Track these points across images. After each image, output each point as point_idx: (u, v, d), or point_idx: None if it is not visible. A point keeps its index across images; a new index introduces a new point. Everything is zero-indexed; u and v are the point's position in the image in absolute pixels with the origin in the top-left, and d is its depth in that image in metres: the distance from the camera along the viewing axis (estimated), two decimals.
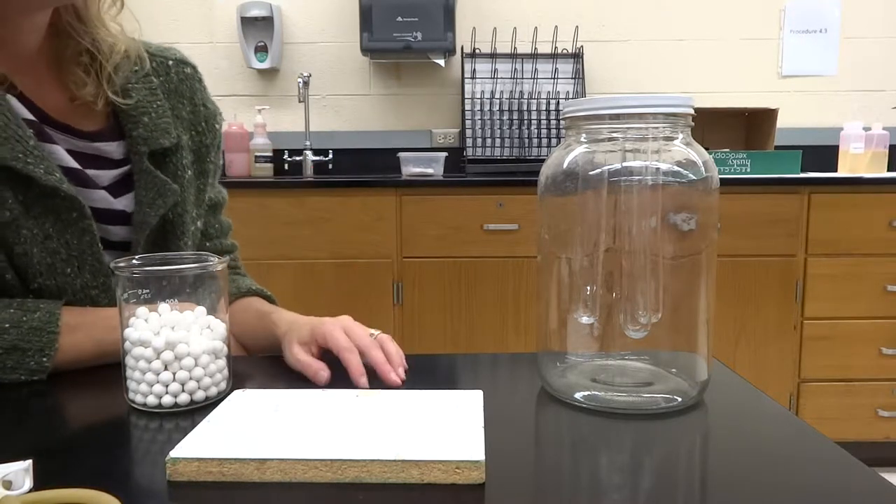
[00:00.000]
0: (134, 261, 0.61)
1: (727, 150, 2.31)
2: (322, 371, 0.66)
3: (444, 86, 2.64)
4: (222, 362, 0.61)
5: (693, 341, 0.59)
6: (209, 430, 0.50)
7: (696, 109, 0.59)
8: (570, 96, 2.54)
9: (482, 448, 0.46)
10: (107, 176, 0.77)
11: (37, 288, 0.72)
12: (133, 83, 0.78)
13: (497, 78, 2.54)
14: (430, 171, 2.33)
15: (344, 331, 0.68)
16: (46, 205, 0.70)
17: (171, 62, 0.84)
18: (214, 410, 0.54)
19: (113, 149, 0.78)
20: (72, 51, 0.75)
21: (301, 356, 0.68)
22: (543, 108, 2.52)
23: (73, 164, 0.74)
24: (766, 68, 2.63)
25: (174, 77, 0.84)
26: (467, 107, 2.51)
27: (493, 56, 2.56)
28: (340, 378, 0.65)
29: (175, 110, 0.83)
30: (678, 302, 0.58)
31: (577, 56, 2.54)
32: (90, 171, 0.76)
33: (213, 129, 0.88)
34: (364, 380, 0.64)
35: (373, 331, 0.70)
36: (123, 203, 0.78)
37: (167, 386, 0.58)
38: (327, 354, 0.68)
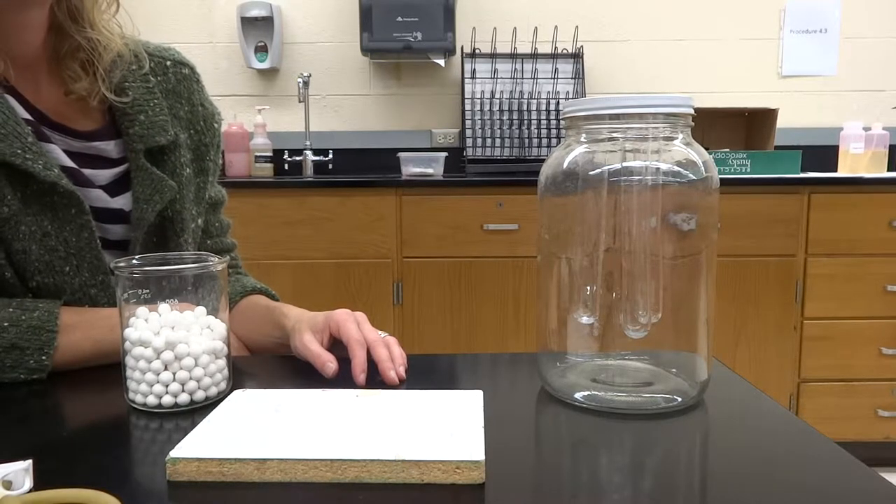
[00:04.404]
0: (134, 261, 0.61)
1: (727, 150, 2.31)
2: (330, 363, 0.66)
3: (444, 86, 2.64)
4: (222, 362, 0.61)
5: (693, 341, 0.59)
6: (209, 430, 0.50)
7: (696, 109, 0.59)
8: (570, 96, 2.54)
9: (482, 448, 0.46)
10: (104, 175, 0.78)
11: (35, 286, 0.72)
12: (130, 81, 0.79)
13: (497, 78, 2.54)
14: (430, 171, 2.33)
15: (356, 324, 0.69)
16: (44, 202, 0.71)
17: (168, 62, 0.85)
18: (214, 410, 0.54)
19: (110, 148, 0.78)
20: (68, 47, 0.75)
21: (311, 345, 0.69)
22: (543, 108, 2.52)
23: (70, 163, 0.75)
24: (766, 68, 2.63)
25: (172, 77, 0.84)
26: (467, 107, 2.51)
27: (493, 56, 2.56)
28: (340, 378, 0.65)
29: (173, 109, 0.83)
30: (678, 302, 0.58)
31: (577, 56, 2.54)
32: (87, 171, 0.76)
33: (211, 128, 0.88)
34: (363, 377, 0.64)
35: (382, 332, 0.71)
36: (121, 202, 0.78)
37: (167, 386, 0.58)
38: (333, 352, 0.69)
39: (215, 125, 0.89)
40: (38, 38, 0.74)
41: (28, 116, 0.72)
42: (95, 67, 0.75)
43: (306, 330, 0.71)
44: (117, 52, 0.77)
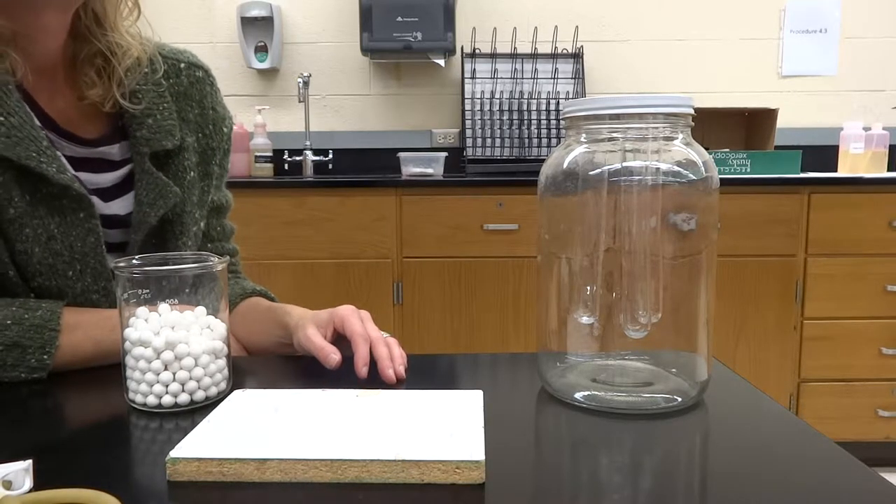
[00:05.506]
0: (134, 261, 0.61)
1: (727, 150, 2.31)
2: (333, 354, 0.67)
3: (444, 86, 2.64)
4: (222, 362, 0.61)
5: (693, 341, 0.59)
6: (209, 430, 0.50)
7: (696, 109, 0.59)
8: (570, 96, 2.54)
9: (482, 448, 0.46)
10: (104, 179, 0.78)
11: (37, 287, 0.72)
12: (142, 85, 0.79)
13: (497, 78, 2.54)
14: (430, 171, 2.33)
15: (360, 320, 0.70)
16: (53, 205, 0.71)
17: (182, 65, 0.85)
18: (214, 410, 0.54)
19: (114, 151, 0.78)
20: (87, 52, 0.76)
21: (315, 338, 0.69)
22: (543, 108, 2.52)
23: (71, 170, 0.75)
24: (766, 68, 2.63)
25: (184, 80, 0.84)
26: (467, 107, 2.51)
27: (493, 56, 2.56)
28: (340, 377, 0.65)
29: (182, 112, 0.83)
30: (678, 302, 0.58)
31: (577, 56, 2.54)
32: (83, 175, 0.76)
33: (220, 133, 0.88)
34: (365, 370, 0.65)
35: (384, 333, 0.71)
36: (116, 207, 0.78)
37: (167, 386, 0.58)
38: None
39: (224, 129, 0.88)
40: (58, 44, 0.74)
41: (37, 123, 0.72)
42: (112, 73, 0.76)
43: (310, 325, 0.71)
44: (136, 57, 0.77)
